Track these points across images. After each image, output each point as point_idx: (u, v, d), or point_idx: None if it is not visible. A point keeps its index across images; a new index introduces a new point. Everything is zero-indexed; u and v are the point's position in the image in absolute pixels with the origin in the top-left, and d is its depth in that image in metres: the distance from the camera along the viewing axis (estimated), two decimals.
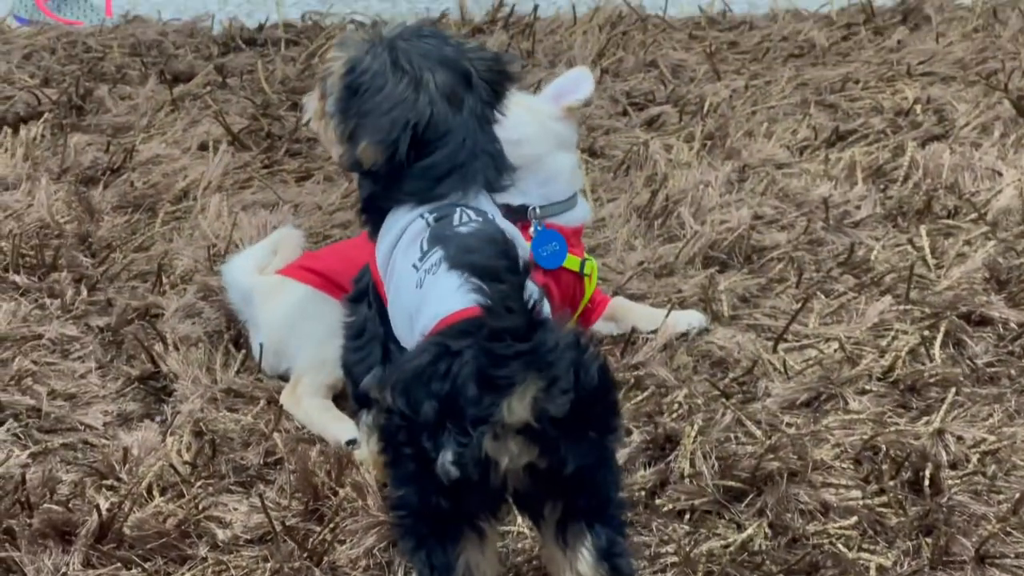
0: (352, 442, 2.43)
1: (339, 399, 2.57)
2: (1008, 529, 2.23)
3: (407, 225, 2.15)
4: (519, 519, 2.23)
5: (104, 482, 2.37)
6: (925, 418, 2.46)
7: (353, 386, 2.28)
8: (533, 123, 2.64)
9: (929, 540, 2.20)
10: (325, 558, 2.20)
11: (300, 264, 2.68)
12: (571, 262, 2.65)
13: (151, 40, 4.10)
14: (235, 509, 2.31)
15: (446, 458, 1.87)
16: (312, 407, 2.53)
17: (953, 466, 2.36)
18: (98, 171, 3.38)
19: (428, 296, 2.03)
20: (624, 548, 1.98)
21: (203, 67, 3.92)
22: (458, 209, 2.14)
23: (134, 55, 4.01)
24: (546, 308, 1.97)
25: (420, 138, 2.16)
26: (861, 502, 2.28)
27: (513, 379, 1.83)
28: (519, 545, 2.22)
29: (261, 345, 2.64)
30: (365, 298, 2.26)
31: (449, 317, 1.95)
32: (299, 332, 2.60)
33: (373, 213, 2.24)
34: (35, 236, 3.08)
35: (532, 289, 1.84)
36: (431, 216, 2.14)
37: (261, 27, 4.20)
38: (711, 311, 2.78)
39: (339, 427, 2.49)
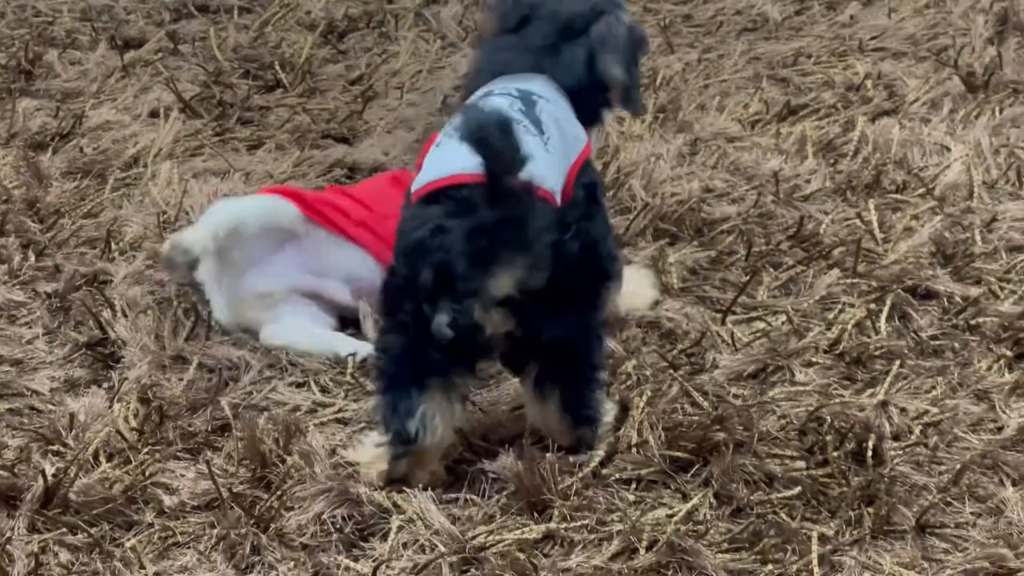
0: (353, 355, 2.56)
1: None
2: (948, 499, 2.26)
3: None
4: None
5: (50, 447, 2.37)
6: (869, 390, 2.49)
7: None
8: None
9: (871, 510, 2.23)
10: (272, 524, 2.21)
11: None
12: None
13: (102, 5, 4.07)
14: (182, 475, 2.32)
15: (442, 320, 2.16)
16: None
17: (896, 437, 2.39)
18: (47, 136, 3.37)
19: (435, 156, 2.30)
20: (590, 402, 2.33)
21: (155, 33, 3.90)
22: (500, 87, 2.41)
23: (84, 20, 3.98)
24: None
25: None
26: (805, 473, 2.31)
27: (499, 259, 2.15)
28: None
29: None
30: None
31: (443, 180, 2.22)
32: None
33: None
34: None
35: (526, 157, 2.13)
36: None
37: None
38: (661, 283, 2.80)
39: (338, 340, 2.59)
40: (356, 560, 2.16)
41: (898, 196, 3.10)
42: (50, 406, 2.48)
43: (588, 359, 2.32)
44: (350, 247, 2.69)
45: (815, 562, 2.13)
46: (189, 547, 2.19)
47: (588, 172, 2.45)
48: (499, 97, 2.38)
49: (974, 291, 2.75)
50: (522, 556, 2.14)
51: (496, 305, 2.17)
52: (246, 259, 2.64)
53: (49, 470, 2.27)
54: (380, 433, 2.27)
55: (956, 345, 2.62)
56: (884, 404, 2.43)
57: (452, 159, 2.22)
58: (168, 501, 2.26)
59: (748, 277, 2.80)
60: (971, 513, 2.24)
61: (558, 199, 2.30)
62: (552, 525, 2.20)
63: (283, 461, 2.32)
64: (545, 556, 2.17)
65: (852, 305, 2.71)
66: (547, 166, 2.29)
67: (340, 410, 2.47)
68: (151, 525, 2.22)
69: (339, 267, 2.69)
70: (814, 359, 2.58)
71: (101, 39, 3.87)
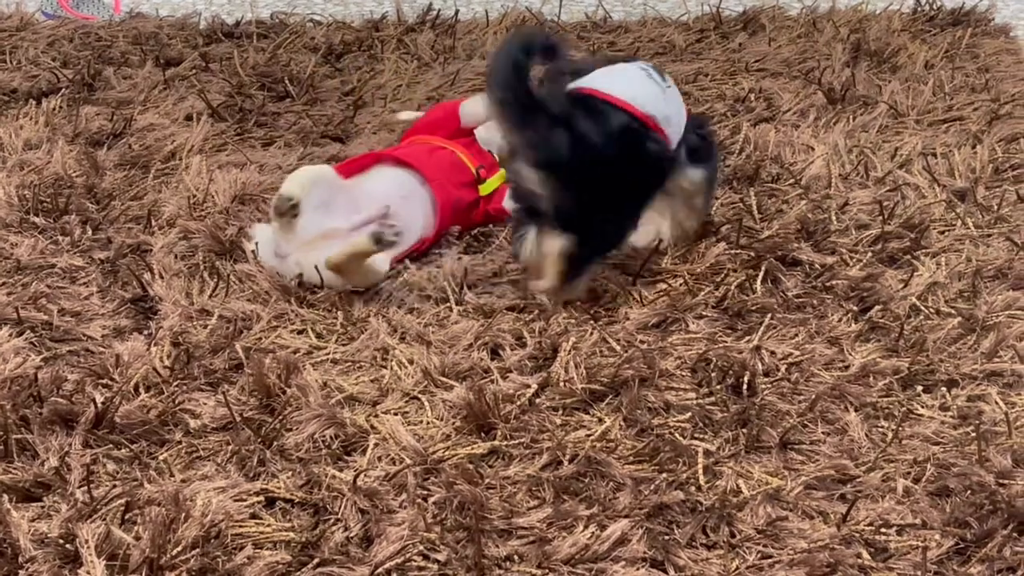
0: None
1: None
2: (805, 422, 2.26)
3: None
4: None
5: (100, 381, 2.35)
6: (747, 337, 2.49)
7: None
8: None
9: (745, 431, 2.23)
10: (275, 442, 2.20)
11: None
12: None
13: (149, 32, 4.01)
14: (204, 404, 2.30)
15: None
16: None
17: (766, 374, 2.39)
18: (103, 136, 3.32)
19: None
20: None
21: (190, 54, 3.85)
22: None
23: (135, 44, 3.93)
24: None
25: None
26: (695, 402, 2.31)
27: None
28: None
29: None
30: None
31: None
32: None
33: None
34: (51, 186, 3.02)
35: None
36: None
37: (238, 23, 4.12)
38: None
39: None
40: (341, 470, 2.15)
41: (773, 185, 3.09)
42: (101, 348, 2.45)
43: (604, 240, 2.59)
44: (377, 173, 2.80)
45: (701, 471, 2.13)
46: (209, 460, 2.17)
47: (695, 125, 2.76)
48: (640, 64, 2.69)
49: (829, 260, 2.75)
50: (471, 467, 2.13)
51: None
52: (322, 200, 2.63)
53: (99, 399, 2.26)
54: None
55: (815, 302, 2.62)
56: (758, 348, 2.43)
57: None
58: (193, 424, 2.25)
59: (654, 248, 2.79)
60: (822, 432, 2.25)
61: (667, 132, 2.59)
62: (496, 442, 2.20)
63: (284, 392, 2.30)
64: (490, 467, 2.16)
65: (735, 270, 2.71)
66: (654, 101, 2.58)
67: (331, 353, 2.45)
68: (179, 442, 2.21)
69: (373, 193, 2.73)
70: (704, 313, 2.58)
71: (148, 59, 3.82)
